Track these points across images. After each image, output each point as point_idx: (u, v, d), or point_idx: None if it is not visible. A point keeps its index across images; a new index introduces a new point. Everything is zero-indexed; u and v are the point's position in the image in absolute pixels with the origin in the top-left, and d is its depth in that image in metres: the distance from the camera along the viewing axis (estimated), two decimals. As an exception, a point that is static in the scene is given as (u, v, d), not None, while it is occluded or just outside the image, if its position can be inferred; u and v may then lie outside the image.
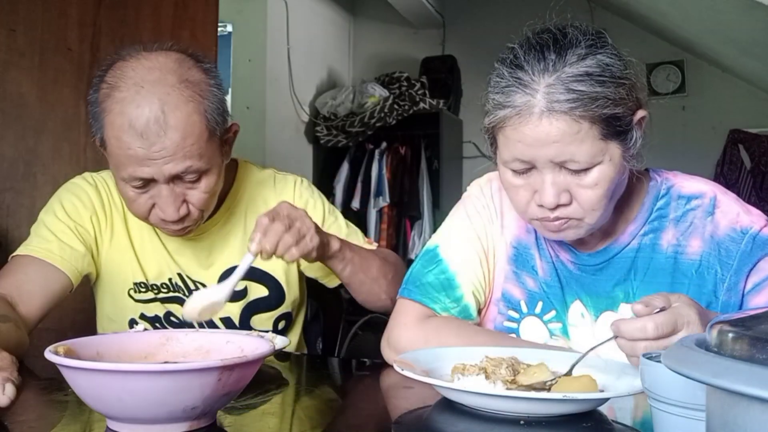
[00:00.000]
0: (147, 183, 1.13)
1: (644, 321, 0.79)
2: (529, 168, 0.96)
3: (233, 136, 1.26)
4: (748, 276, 1.00)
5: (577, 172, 0.94)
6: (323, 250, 1.17)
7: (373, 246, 1.38)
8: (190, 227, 1.21)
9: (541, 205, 0.97)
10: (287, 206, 1.13)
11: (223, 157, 1.22)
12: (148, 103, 1.08)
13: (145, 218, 1.19)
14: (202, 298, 1.06)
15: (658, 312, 0.80)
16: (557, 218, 0.98)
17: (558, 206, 0.96)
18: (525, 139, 0.93)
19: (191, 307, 1.04)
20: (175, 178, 1.13)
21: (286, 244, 1.08)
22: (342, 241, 1.24)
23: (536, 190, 0.97)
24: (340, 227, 1.40)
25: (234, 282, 1.06)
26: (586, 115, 0.91)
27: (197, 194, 1.16)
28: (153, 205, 1.16)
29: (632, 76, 0.96)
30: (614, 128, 0.93)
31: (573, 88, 0.91)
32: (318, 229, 1.15)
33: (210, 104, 1.14)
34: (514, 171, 0.98)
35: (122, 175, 1.13)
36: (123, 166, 1.12)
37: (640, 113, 0.98)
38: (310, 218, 1.15)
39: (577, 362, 0.84)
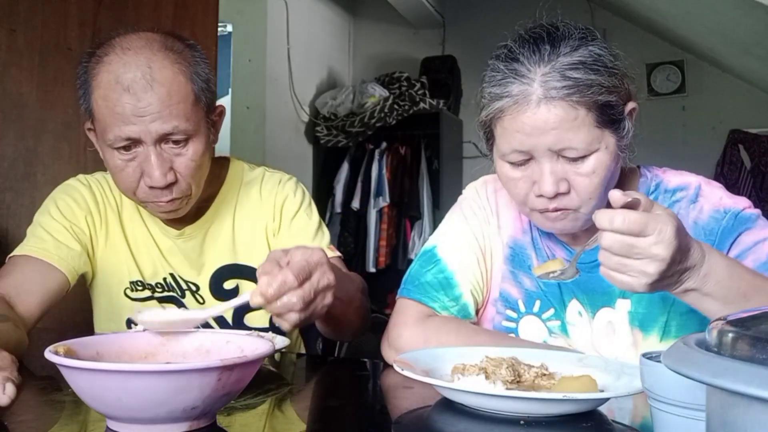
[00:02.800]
0: (134, 147, 1.13)
1: (615, 213, 0.79)
2: (527, 159, 0.98)
3: (219, 119, 1.26)
4: (729, 250, 1.01)
5: (574, 160, 0.96)
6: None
7: (335, 253, 1.31)
8: (179, 203, 1.19)
9: (540, 195, 0.98)
10: (310, 252, 0.90)
11: (211, 135, 1.22)
12: (135, 62, 1.10)
13: (133, 192, 1.17)
14: (175, 313, 0.90)
15: (629, 208, 0.80)
16: (556, 209, 0.98)
17: (557, 195, 0.97)
18: (524, 128, 0.95)
19: (155, 316, 0.86)
20: (162, 142, 1.13)
21: (286, 306, 0.86)
22: (337, 287, 0.96)
23: (535, 180, 0.98)
24: (307, 228, 1.33)
25: (216, 312, 0.92)
26: (582, 101, 0.93)
27: (184, 161, 1.15)
28: (141, 177, 1.15)
29: (622, 68, 0.98)
30: (609, 116, 0.96)
31: (568, 75, 0.93)
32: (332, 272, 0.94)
33: (195, 72, 1.15)
34: (512, 163, 0.99)
35: (109, 139, 1.12)
36: (109, 127, 1.11)
37: (631, 105, 1.00)
38: (334, 271, 0.94)
39: (579, 253, 0.90)
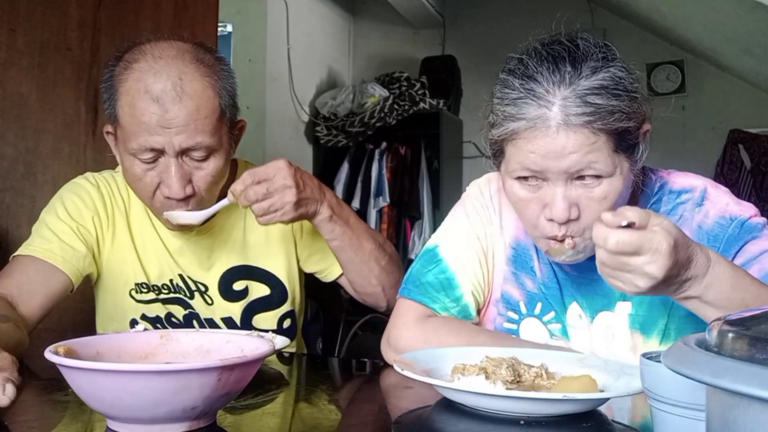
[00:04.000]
0: (155, 157, 1.13)
1: (608, 232, 0.79)
2: (538, 180, 0.96)
3: (239, 133, 1.27)
4: (733, 258, 1.00)
5: (588, 185, 0.94)
6: (306, 211, 1.18)
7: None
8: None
9: (550, 220, 0.96)
10: (274, 164, 1.15)
11: (231, 149, 1.23)
12: (166, 72, 1.10)
13: (150, 200, 1.18)
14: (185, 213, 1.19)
15: (626, 227, 0.79)
16: (564, 236, 0.96)
17: (568, 222, 0.95)
18: (539, 150, 0.92)
19: (180, 214, 1.18)
20: (183, 155, 1.13)
21: (246, 198, 1.13)
22: (335, 212, 1.23)
23: (546, 204, 0.96)
24: None
25: (209, 212, 1.19)
26: (604, 128, 0.91)
27: (204, 175, 1.16)
28: (158, 186, 1.15)
29: (641, 90, 0.96)
30: (626, 142, 0.94)
31: (590, 101, 0.90)
32: (304, 191, 1.16)
33: (223, 86, 1.16)
34: (521, 179, 0.97)
35: (131, 147, 1.12)
36: (134, 135, 1.11)
37: (645, 126, 0.98)
38: (300, 180, 1.15)
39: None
